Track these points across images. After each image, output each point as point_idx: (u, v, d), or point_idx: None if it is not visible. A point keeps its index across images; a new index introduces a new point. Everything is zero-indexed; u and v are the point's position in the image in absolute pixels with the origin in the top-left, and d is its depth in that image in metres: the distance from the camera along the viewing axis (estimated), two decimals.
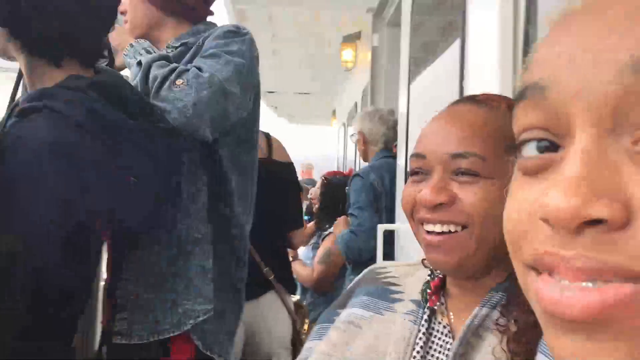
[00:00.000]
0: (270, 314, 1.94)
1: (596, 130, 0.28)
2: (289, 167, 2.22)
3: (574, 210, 0.27)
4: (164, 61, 1.31)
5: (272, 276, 1.95)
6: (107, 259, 1.45)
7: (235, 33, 1.37)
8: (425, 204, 0.74)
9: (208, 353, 1.33)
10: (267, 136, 2.19)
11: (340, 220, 2.79)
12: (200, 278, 1.31)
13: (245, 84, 1.34)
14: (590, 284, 0.27)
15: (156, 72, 1.28)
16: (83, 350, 2.25)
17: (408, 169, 0.83)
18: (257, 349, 1.94)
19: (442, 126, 0.77)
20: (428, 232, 0.75)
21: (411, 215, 0.79)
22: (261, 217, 1.88)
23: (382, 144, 2.74)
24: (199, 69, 1.27)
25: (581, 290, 0.27)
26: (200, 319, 1.29)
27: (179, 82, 1.25)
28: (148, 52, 1.37)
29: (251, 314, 1.87)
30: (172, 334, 1.28)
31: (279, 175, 2.07)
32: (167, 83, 1.25)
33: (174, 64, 1.31)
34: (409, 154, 2.38)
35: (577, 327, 0.28)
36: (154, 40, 1.45)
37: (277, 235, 2.12)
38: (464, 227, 0.73)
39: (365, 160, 2.85)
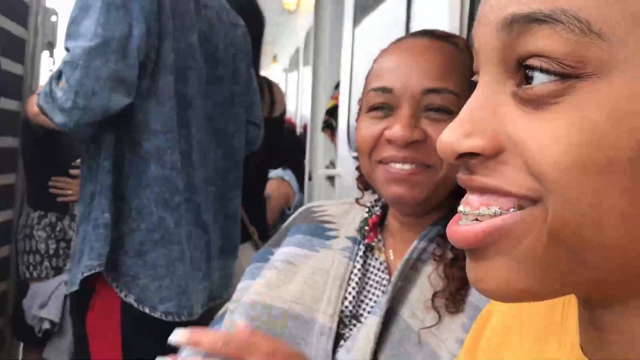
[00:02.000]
0: (246, 264, 1.89)
1: (491, 78, 0.34)
2: (282, 123, 2.14)
3: (448, 146, 0.34)
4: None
5: (257, 235, 1.89)
6: None
7: None
8: (397, 140, 0.71)
9: (140, 307, 1.27)
10: (270, 87, 1.99)
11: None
12: (94, 233, 1.25)
13: (112, 11, 1.17)
14: (480, 210, 0.34)
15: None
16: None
17: (359, 108, 0.80)
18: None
19: (409, 59, 0.73)
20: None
21: (369, 153, 0.75)
22: (252, 173, 1.78)
23: None
24: (67, 49, 1.17)
25: (470, 222, 0.34)
26: (85, 274, 1.24)
27: (61, 84, 1.16)
28: None
29: None
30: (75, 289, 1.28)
31: (279, 137, 2.00)
32: (52, 93, 1.17)
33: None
34: (353, 98, 2.34)
35: (470, 253, 0.35)
36: None
37: (263, 192, 2.07)
38: (426, 166, 0.72)
39: None
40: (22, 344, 2.36)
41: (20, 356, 2.37)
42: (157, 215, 1.27)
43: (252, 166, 1.85)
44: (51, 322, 2.12)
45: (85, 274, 1.24)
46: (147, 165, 1.27)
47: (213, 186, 1.45)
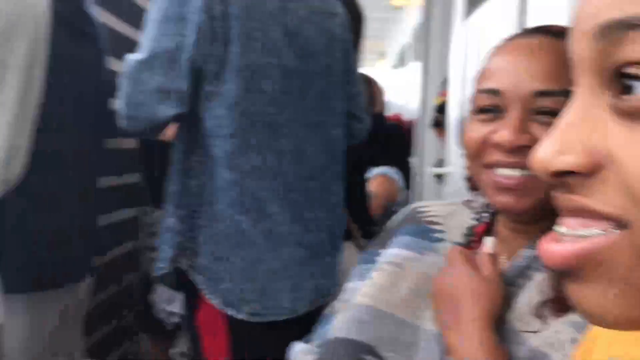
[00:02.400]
0: (348, 262, 1.88)
1: (587, 90, 0.32)
2: (382, 120, 2.11)
3: (541, 164, 0.32)
4: None
5: (360, 234, 1.88)
6: None
7: None
8: (505, 145, 0.68)
9: (225, 309, 1.28)
10: (370, 84, 1.97)
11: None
12: (161, 237, 1.30)
13: (167, 24, 1.21)
14: (578, 231, 0.31)
15: None
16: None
17: (470, 108, 0.77)
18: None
19: (521, 60, 0.70)
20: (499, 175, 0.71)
21: (476, 157, 0.73)
22: (350, 171, 1.72)
23: None
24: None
25: (563, 243, 0.32)
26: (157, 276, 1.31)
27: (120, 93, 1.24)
28: None
29: None
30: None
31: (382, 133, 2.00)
32: (117, 99, 1.24)
33: None
34: (465, 94, 2.28)
35: (565, 274, 0.32)
36: None
37: (363, 190, 2.07)
38: None
39: None
40: (147, 337, 2.50)
41: (148, 349, 2.51)
42: (233, 219, 1.27)
43: (350, 163, 1.84)
44: (181, 315, 2.16)
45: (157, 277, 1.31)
46: (218, 169, 1.27)
47: (315, 181, 1.39)
